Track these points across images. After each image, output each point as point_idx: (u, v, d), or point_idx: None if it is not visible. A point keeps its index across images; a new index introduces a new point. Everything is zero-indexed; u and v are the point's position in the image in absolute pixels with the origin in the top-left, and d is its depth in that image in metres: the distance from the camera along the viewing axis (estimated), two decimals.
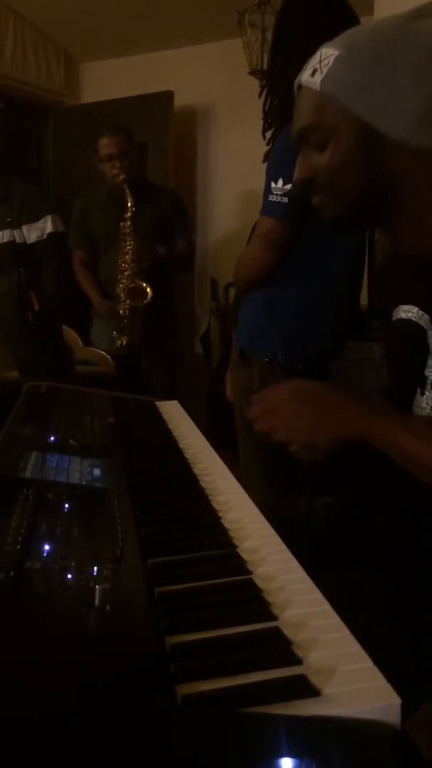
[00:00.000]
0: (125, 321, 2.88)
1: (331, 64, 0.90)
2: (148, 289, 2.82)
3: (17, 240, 3.00)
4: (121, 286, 2.86)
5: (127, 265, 2.85)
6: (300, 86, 0.96)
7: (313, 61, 0.94)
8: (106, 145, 2.91)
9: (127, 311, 2.86)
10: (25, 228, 3.00)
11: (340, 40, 0.94)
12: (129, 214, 2.83)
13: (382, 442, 0.89)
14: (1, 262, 2.94)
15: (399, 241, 1.01)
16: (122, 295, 2.86)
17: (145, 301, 2.84)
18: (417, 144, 0.88)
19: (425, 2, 0.90)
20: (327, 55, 0.91)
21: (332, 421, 0.93)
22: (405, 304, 1.01)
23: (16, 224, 2.99)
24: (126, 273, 2.85)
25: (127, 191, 2.82)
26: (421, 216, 0.94)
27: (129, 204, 2.82)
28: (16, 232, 2.99)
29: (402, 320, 1.01)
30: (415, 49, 0.86)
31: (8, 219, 2.98)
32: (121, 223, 2.84)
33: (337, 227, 1.02)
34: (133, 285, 2.83)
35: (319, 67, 0.92)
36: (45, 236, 3.00)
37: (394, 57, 0.87)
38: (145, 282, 2.84)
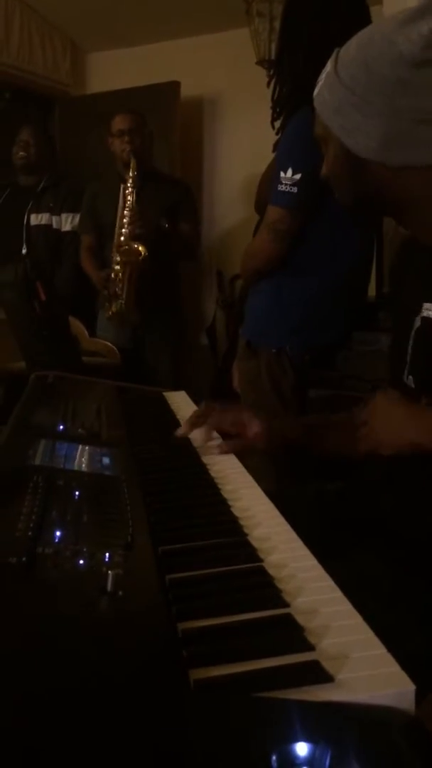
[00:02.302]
0: (119, 286, 2.83)
1: (323, 80, 0.95)
2: (141, 248, 2.78)
3: (54, 225, 3.31)
4: (115, 248, 2.83)
5: (124, 228, 2.82)
6: None
7: (321, 74, 0.98)
8: (119, 121, 2.94)
9: (120, 274, 2.82)
10: (63, 216, 3.30)
11: (340, 50, 0.96)
12: (131, 175, 2.82)
13: None
14: (33, 241, 3.26)
15: (421, 235, 1.02)
16: (117, 257, 2.82)
17: (137, 259, 2.79)
18: (390, 164, 0.91)
19: (426, 1, 0.89)
20: (326, 70, 0.96)
21: (418, 426, 0.93)
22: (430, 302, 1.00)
23: (56, 211, 3.30)
24: (122, 237, 2.81)
25: (132, 159, 2.83)
26: None
27: (131, 166, 2.82)
28: (54, 218, 3.31)
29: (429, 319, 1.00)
30: (390, 67, 0.88)
31: (51, 204, 3.30)
32: (122, 185, 2.83)
33: (354, 218, 1.05)
34: (127, 246, 2.81)
35: (319, 82, 0.97)
36: (77, 228, 3.22)
37: (368, 79, 0.89)
38: (139, 244, 2.79)
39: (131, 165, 2.83)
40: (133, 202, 2.81)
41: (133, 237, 2.80)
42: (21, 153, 3.29)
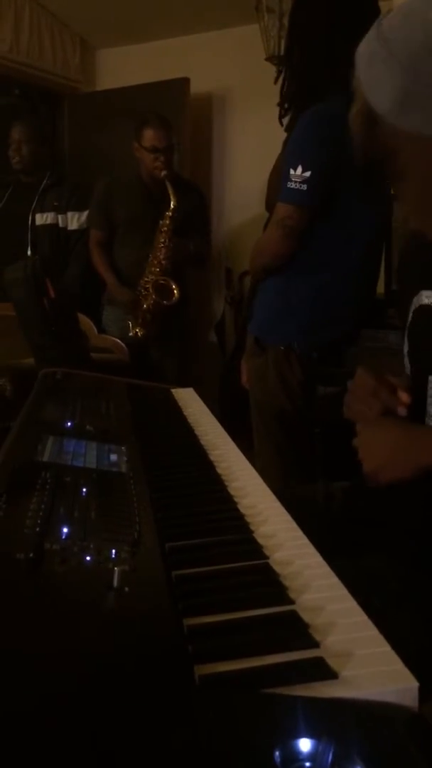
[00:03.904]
0: (148, 314, 2.87)
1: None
2: (176, 291, 2.83)
3: (60, 224, 3.25)
4: (148, 279, 2.84)
5: (158, 261, 2.83)
6: None
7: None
8: (153, 137, 2.87)
9: (152, 306, 2.85)
10: (69, 214, 3.24)
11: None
12: (170, 213, 2.80)
13: None
14: (39, 241, 3.21)
15: (414, 217, 1.00)
16: (150, 289, 2.84)
17: (170, 302, 2.84)
18: (401, 126, 0.86)
19: None
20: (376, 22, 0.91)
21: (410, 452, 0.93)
22: (427, 289, 1.00)
23: (62, 209, 3.24)
24: (156, 269, 2.83)
25: (171, 189, 2.79)
26: None
27: (172, 204, 2.80)
28: (60, 216, 3.25)
29: (425, 306, 1.00)
30: (424, 32, 0.84)
31: (55, 203, 3.24)
32: (160, 221, 2.82)
33: (367, 184, 1.02)
34: (163, 281, 2.83)
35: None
36: (84, 226, 3.20)
37: (403, 35, 0.85)
38: (175, 282, 2.83)
39: (171, 200, 2.79)
40: (170, 239, 2.82)
41: (167, 272, 2.83)
42: (15, 158, 3.24)
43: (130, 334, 2.89)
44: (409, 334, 1.03)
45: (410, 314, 1.01)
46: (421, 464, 0.91)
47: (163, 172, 2.83)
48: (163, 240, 2.82)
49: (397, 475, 0.93)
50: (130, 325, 2.90)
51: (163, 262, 2.83)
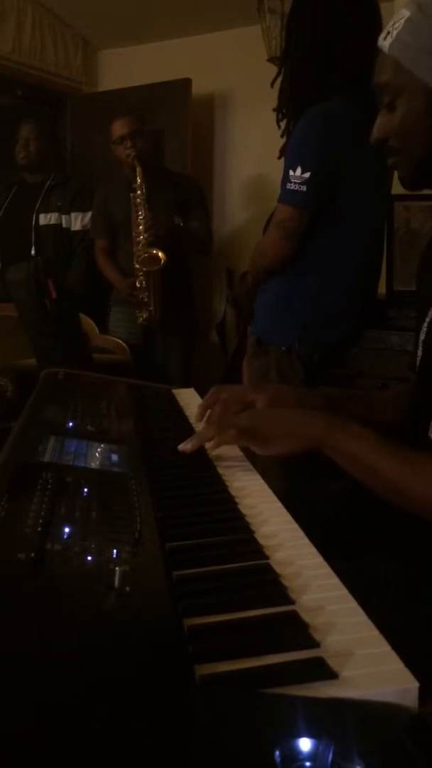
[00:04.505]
0: (143, 295, 2.86)
1: (401, 27, 0.91)
2: (160, 254, 2.80)
3: (63, 225, 3.28)
4: (136, 257, 2.84)
5: (141, 237, 2.83)
6: (378, 49, 0.97)
7: (389, 23, 0.94)
8: (118, 127, 2.92)
9: (143, 282, 2.85)
10: (73, 215, 3.27)
11: None
12: (138, 182, 2.81)
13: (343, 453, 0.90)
14: (43, 241, 3.24)
15: None
16: (137, 264, 2.84)
17: (159, 266, 2.81)
18: (415, 73, 0.88)
19: None
20: (399, 16, 0.92)
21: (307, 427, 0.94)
22: None
23: (66, 210, 3.26)
24: (140, 245, 2.83)
25: (138, 166, 2.82)
26: None
27: (137, 173, 2.81)
28: (64, 217, 3.27)
29: None
30: None
31: (59, 204, 3.26)
32: (131, 194, 2.83)
33: (411, 186, 1.03)
34: (146, 254, 2.82)
35: (391, 30, 0.92)
36: (88, 227, 3.22)
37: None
38: (156, 249, 2.81)
39: (137, 171, 2.82)
40: (145, 210, 2.81)
41: (149, 244, 2.81)
42: (22, 153, 3.26)
43: (139, 321, 2.90)
44: (424, 347, 1.03)
45: (425, 325, 1.01)
46: (314, 439, 0.92)
47: (132, 155, 2.86)
48: (140, 213, 2.82)
49: (289, 447, 0.94)
50: (137, 313, 2.91)
51: (144, 235, 2.82)
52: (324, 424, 0.93)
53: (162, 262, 2.81)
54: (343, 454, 0.90)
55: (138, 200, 2.82)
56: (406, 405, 1.12)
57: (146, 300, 2.88)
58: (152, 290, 2.86)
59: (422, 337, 1.01)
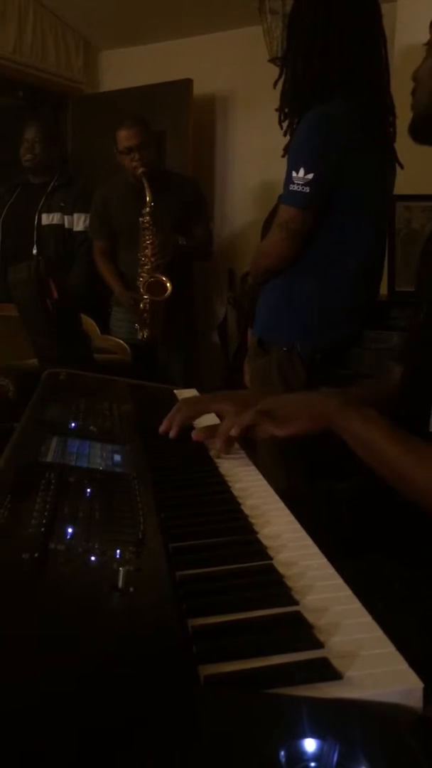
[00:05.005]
0: (146, 315, 2.86)
1: None
2: (168, 284, 2.80)
3: (66, 225, 3.28)
4: (141, 280, 2.83)
5: (147, 259, 2.81)
6: None
7: None
8: (124, 137, 2.88)
9: (148, 306, 2.84)
10: (75, 216, 3.27)
11: None
12: (147, 209, 2.79)
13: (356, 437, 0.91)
14: (45, 242, 3.24)
15: None
16: (142, 290, 2.83)
17: (164, 296, 2.82)
18: None
19: None
20: None
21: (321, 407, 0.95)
22: None
23: (69, 210, 3.26)
24: (146, 267, 2.82)
25: (147, 185, 2.79)
26: None
27: (148, 199, 2.79)
28: (66, 218, 3.27)
29: None
30: None
31: (62, 204, 3.26)
32: (140, 219, 2.81)
33: (412, 134, 1.09)
34: (153, 279, 2.81)
35: None
36: (89, 233, 3.20)
37: None
38: (165, 276, 2.81)
39: (146, 190, 2.78)
40: (152, 235, 2.79)
41: (155, 268, 2.80)
42: (27, 155, 3.26)
43: (139, 336, 2.89)
44: (422, 338, 1.03)
45: (422, 315, 1.01)
46: (327, 419, 0.93)
47: (140, 170, 2.83)
48: (148, 237, 2.81)
49: (305, 427, 0.95)
50: (137, 327, 2.90)
51: (152, 259, 2.81)
52: (338, 404, 0.94)
53: (167, 292, 2.81)
54: (352, 436, 0.91)
55: (147, 225, 2.80)
56: (396, 398, 1.11)
57: (148, 321, 2.87)
58: (156, 314, 2.86)
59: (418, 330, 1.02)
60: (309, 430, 0.95)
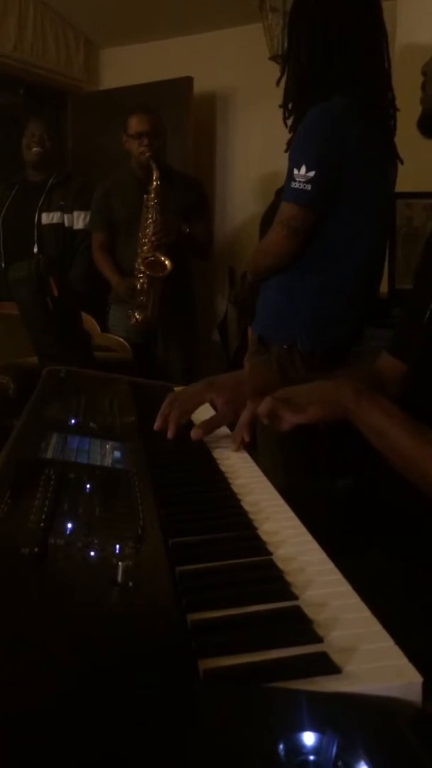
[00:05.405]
0: (142, 297, 2.83)
1: None
2: (167, 262, 2.77)
3: (66, 223, 3.27)
4: (140, 259, 2.81)
5: (147, 239, 2.79)
6: None
7: None
8: (137, 122, 2.89)
9: (145, 285, 2.81)
10: (75, 214, 3.25)
11: None
12: (154, 185, 2.78)
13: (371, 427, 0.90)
14: (45, 240, 3.23)
15: None
16: (141, 267, 2.81)
17: (163, 273, 2.78)
18: None
19: None
20: None
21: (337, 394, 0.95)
22: None
23: (68, 209, 3.25)
24: (146, 247, 2.80)
25: (153, 165, 2.79)
26: None
27: (154, 177, 2.78)
28: (66, 216, 3.26)
29: None
30: None
31: (62, 202, 3.25)
32: (145, 195, 2.80)
33: (420, 128, 1.09)
34: (152, 257, 2.78)
35: None
36: (88, 226, 3.19)
37: None
38: (164, 256, 2.78)
39: (153, 175, 2.78)
40: (156, 214, 2.78)
41: (155, 248, 2.78)
42: (36, 149, 3.23)
43: (132, 321, 2.86)
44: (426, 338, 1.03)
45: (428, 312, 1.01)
46: (342, 406, 0.93)
47: (147, 154, 2.83)
48: (150, 216, 2.79)
49: (320, 414, 0.95)
50: (131, 312, 2.87)
51: (152, 238, 2.78)
52: (353, 392, 0.94)
53: (167, 269, 2.78)
54: (366, 425, 0.91)
55: (151, 203, 2.79)
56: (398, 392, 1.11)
57: (144, 303, 2.84)
58: (152, 294, 2.83)
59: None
60: (325, 417, 0.95)
